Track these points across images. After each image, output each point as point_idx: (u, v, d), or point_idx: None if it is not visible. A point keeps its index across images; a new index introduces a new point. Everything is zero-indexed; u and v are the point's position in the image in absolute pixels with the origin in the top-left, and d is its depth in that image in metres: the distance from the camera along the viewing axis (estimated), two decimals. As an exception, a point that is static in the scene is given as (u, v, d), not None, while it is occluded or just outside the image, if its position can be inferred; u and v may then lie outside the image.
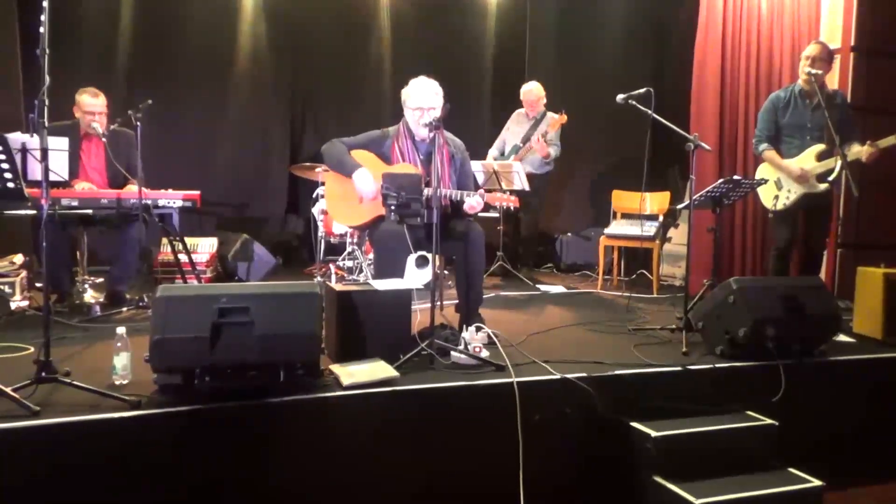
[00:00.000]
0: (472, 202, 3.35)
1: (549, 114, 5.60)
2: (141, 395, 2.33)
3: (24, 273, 4.03)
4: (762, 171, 4.27)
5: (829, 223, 4.50)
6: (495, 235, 5.57)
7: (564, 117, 5.44)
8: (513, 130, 5.77)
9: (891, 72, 4.88)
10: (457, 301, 3.59)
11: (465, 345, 2.95)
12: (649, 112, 3.59)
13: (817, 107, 4.07)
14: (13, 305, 3.79)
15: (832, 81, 4.90)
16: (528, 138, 5.54)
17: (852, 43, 4.87)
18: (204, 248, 5.05)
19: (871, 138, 3.93)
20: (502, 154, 5.77)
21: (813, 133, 4.10)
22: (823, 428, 3.08)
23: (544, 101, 5.69)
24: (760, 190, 4.18)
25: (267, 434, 2.36)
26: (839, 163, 3.95)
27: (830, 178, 4.05)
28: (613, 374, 2.86)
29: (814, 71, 4.01)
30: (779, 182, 4.15)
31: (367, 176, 3.42)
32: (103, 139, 4.04)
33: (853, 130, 4.13)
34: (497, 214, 5.34)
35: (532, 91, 5.67)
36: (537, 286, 5.28)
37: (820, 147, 4.07)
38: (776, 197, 4.10)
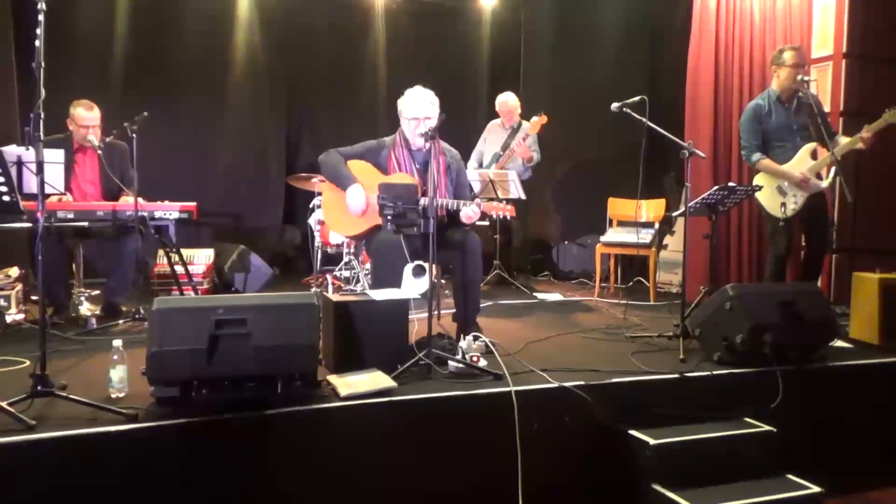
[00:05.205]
0: (469, 212, 3.36)
1: (525, 122, 5.59)
2: (138, 407, 2.32)
3: (19, 286, 4.02)
4: (759, 182, 4.16)
5: (829, 223, 4.51)
6: (491, 244, 5.57)
7: (545, 118, 5.42)
8: (490, 141, 5.76)
9: (883, 77, 4.90)
10: (454, 310, 3.59)
11: (463, 354, 2.94)
12: (644, 120, 3.61)
13: (798, 108, 4.13)
14: (9, 319, 3.77)
15: (824, 87, 4.94)
16: (508, 146, 5.55)
17: (844, 49, 4.89)
18: (200, 259, 5.03)
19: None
20: (481, 165, 5.76)
21: (802, 133, 4.12)
22: (822, 434, 3.08)
23: (520, 111, 5.69)
24: (766, 201, 4.13)
25: (265, 446, 2.35)
26: (833, 168, 3.97)
27: (826, 180, 4.07)
28: (611, 381, 2.85)
29: (807, 78, 4.06)
30: (781, 189, 4.09)
31: (359, 192, 3.43)
32: (99, 151, 4.04)
33: (831, 126, 4.22)
34: (492, 221, 5.33)
35: (508, 102, 5.68)
36: (534, 294, 5.27)
37: (812, 145, 4.08)
38: (783, 204, 4.04)
